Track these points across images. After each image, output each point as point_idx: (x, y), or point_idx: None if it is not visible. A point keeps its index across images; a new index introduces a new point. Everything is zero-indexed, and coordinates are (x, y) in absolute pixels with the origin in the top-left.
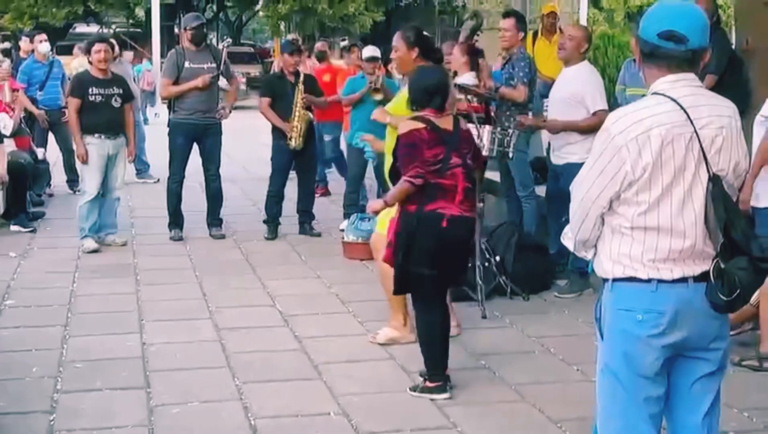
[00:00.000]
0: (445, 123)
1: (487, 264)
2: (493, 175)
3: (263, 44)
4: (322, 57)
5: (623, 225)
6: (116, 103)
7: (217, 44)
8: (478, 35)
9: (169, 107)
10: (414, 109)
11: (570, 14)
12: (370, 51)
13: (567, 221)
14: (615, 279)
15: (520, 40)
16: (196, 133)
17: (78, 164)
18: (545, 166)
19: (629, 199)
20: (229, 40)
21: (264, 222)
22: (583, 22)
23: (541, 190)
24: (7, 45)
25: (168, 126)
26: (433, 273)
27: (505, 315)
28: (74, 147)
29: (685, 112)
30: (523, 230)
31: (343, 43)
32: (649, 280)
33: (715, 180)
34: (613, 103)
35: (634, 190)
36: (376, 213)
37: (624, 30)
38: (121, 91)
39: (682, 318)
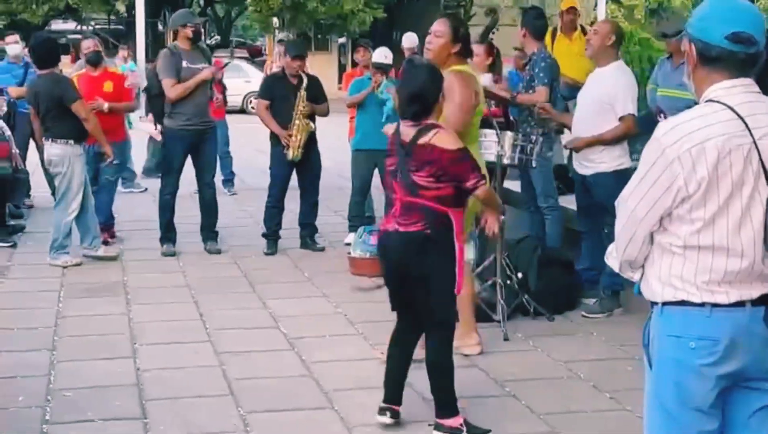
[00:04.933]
0: (407, 133)
1: (508, 281)
2: (512, 184)
3: (254, 42)
4: (95, 61)
5: (675, 245)
6: None
7: (204, 41)
8: (493, 33)
9: (159, 113)
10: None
11: (587, 10)
12: (380, 56)
13: (609, 236)
14: (665, 303)
15: (539, 41)
16: (194, 141)
17: (67, 174)
18: (566, 174)
19: (682, 216)
20: (217, 37)
21: (263, 235)
22: (602, 16)
23: (563, 201)
24: None
25: (163, 134)
26: (391, 292)
27: (529, 336)
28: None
29: (743, 120)
30: (546, 244)
31: (279, 36)
32: (702, 304)
33: None
34: (644, 104)
35: (688, 206)
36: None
37: (644, 26)
38: None
39: (738, 345)
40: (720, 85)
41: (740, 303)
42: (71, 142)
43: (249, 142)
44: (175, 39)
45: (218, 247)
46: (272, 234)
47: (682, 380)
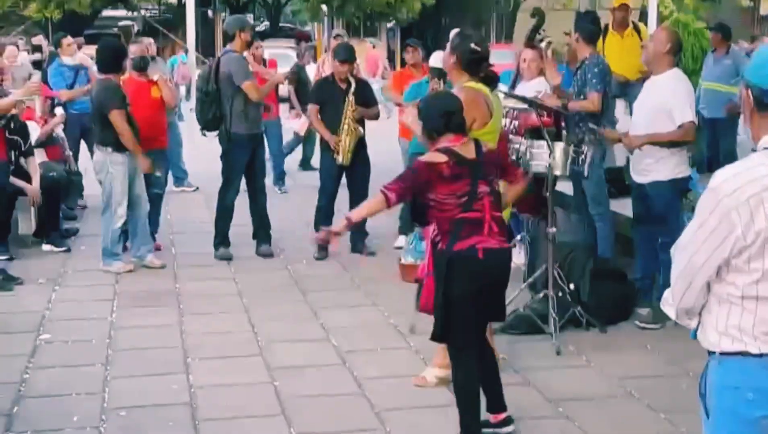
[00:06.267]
0: (468, 150)
1: (560, 293)
2: (564, 186)
3: (303, 27)
4: (142, 66)
5: (732, 295)
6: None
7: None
8: (540, 34)
9: (212, 120)
10: (433, 138)
11: None
12: (436, 60)
13: (662, 246)
14: (723, 353)
15: (591, 45)
16: (254, 145)
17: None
18: (619, 178)
19: (740, 266)
20: (267, 23)
21: None
22: (653, 4)
23: (616, 205)
24: (37, 56)
25: (229, 140)
26: (472, 316)
27: (582, 350)
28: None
29: None
30: (597, 253)
31: (335, 31)
32: (761, 355)
33: None
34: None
35: (746, 256)
36: (337, 234)
37: (696, 9)
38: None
39: None
40: None
41: None
42: (110, 149)
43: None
44: (225, 43)
45: (271, 250)
46: None
47: (740, 432)
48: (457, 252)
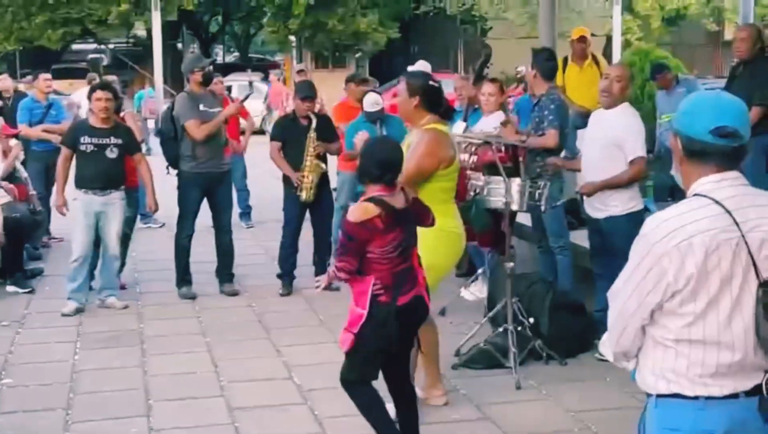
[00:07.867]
0: (397, 200)
1: (520, 327)
2: (524, 217)
3: (273, 57)
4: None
5: (666, 338)
6: (111, 153)
7: (224, 58)
8: (488, 67)
9: (173, 157)
10: (364, 183)
11: (602, 21)
12: (371, 104)
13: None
14: (659, 396)
15: (548, 81)
16: (209, 185)
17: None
18: (578, 209)
19: (672, 310)
20: (237, 54)
21: (278, 276)
22: (617, 28)
23: (575, 236)
24: None
25: (178, 177)
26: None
27: (541, 384)
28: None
29: (731, 215)
30: (557, 286)
31: (298, 66)
32: (696, 397)
33: (765, 287)
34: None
35: (678, 301)
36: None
37: (662, 35)
38: (119, 142)
39: None
40: (707, 178)
41: (734, 395)
42: (74, 186)
43: (267, 167)
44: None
45: (235, 289)
46: (287, 275)
47: None
48: (401, 306)
